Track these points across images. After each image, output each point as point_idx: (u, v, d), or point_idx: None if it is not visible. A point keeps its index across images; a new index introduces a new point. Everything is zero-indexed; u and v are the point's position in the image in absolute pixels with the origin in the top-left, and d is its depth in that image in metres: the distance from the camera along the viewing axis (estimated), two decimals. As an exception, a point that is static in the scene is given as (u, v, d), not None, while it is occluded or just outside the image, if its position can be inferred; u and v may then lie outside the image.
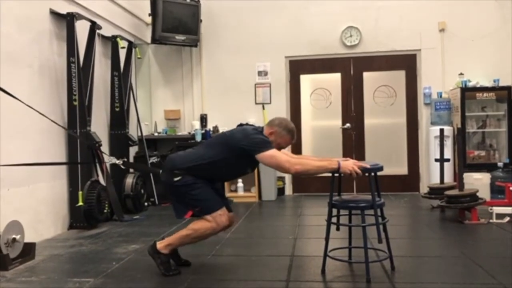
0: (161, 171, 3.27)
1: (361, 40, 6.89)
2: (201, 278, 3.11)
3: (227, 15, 7.10)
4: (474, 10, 6.66)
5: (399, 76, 6.97)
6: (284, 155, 2.99)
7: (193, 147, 3.40)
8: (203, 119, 7.01)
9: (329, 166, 2.91)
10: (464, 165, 5.38)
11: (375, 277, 2.96)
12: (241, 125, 6.77)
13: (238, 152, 3.00)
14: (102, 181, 5.09)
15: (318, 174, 3.02)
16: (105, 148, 5.40)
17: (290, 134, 3.13)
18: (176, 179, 3.08)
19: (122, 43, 5.83)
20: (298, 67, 7.13)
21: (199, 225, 3.10)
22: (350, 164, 2.90)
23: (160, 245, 3.16)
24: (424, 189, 6.53)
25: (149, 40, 6.81)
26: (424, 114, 6.85)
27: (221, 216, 3.09)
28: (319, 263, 3.16)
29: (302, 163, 2.94)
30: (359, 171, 2.87)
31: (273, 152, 2.94)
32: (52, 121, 3.79)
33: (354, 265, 3.24)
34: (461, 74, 6.50)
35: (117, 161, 3.72)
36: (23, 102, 3.25)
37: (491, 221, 4.59)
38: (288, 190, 7.13)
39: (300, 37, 6.98)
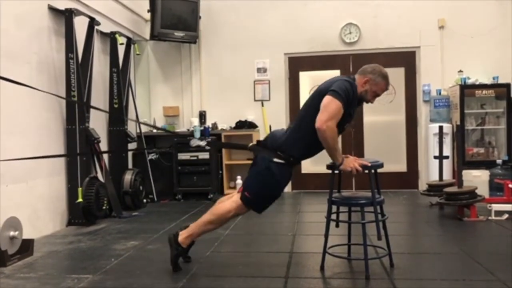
0: (251, 144, 3.17)
1: (361, 37, 6.88)
2: (199, 275, 3.10)
3: (226, 12, 7.08)
4: (474, 7, 6.65)
5: (398, 73, 6.96)
6: (334, 115, 2.78)
7: (295, 119, 3.14)
8: (202, 116, 6.99)
9: (337, 156, 2.88)
10: (463, 162, 5.37)
11: (374, 274, 2.96)
12: (240, 121, 6.82)
13: None
14: (101, 177, 5.09)
15: (328, 152, 2.91)
16: (103, 144, 5.38)
17: (385, 80, 3.01)
18: (276, 160, 2.94)
19: (121, 40, 5.81)
20: (297, 64, 7.12)
21: (221, 210, 3.07)
22: (351, 162, 2.90)
23: (181, 237, 3.13)
24: (423, 186, 6.53)
25: (148, 36, 6.79)
26: (423, 111, 6.85)
27: (243, 210, 3.06)
28: (318, 259, 3.16)
29: (332, 130, 2.79)
30: (360, 168, 2.87)
31: (335, 103, 2.77)
32: (57, 95, 3.77)
33: (353, 262, 3.24)
34: (460, 71, 6.50)
35: (201, 143, 3.65)
36: (25, 85, 3.21)
37: (490, 218, 4.59)
38: (287, 187, 7.13)
39: (299, 34, 6.97)
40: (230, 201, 3.10)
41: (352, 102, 2.92)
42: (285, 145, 2.98)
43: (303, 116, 3.02)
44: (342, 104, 2.81)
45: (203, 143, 3.63)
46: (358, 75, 3.02)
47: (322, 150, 3.01)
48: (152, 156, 6.49)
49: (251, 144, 3.18)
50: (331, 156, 2.92)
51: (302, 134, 2.97)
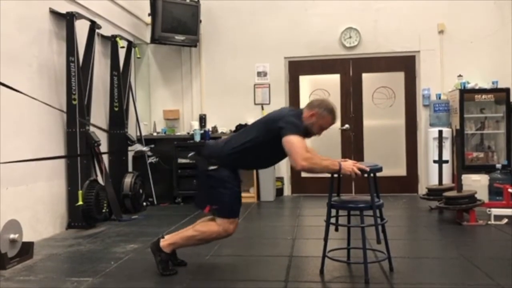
0: (190, 154, 3.26)
1: (360, 41, 6.90)
2: (199, 278, 3.11)
3: (226, 16, 7.10)
4: (473, 12, 6.68)
5: (398, 78, 6.98)
6: (302, 148, 2.86)
7: (232, 135, 3.34)
8: (202, 119, 7.01)
9: (332, 167, 2.91)
10: (462, 166, 5.38)
11: (374, 278, 2.96)
12: (240, 125, 6.83)
13: (276, 133, 2.93)
14: (100, 180, 5.09)
15: (321, 173, 2.97)
16: (104, 147, 5.39)
17: (332, 114, 3.05)
18: (211, 168, 3.06)
19: (122, 43, 5.82)
20: (298, 68, 7.13)
21: (206, 228, 3.12)
22: (350, 165, 2.91)
23: (163, 243, 3.15)
24: (422, 190, 6.53)
25: (148, 40, 6.81)
26: (423, 115, 6.86)
27: (230, 224, 3.09)
28: (318, 263, 3.16)
29: (311, 160, 2.86)
30: (358, 172, 2.88)
31: (294, 138, 2.85)
32: (57, 108, 3.78)
33: (353, 266, 3.24)
34: (460, 75, 6.51)
35: (144, 148, 3.69)
36: (25, 94, 3.25)
37: (489, 222, 4.59)
38: (287, 191, 7.13)
39: (299, 38, 6.99)
40: (213, 222, 3.12)
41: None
42: (219, 154, 3.09)
43: (245, 137, 3.09)
44: (300, 135, 2.90)
45: (146, 148, 3.71)
46: (306, 108, 3.09)
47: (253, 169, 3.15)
48: (152, 159, 6.49)
49: (190, 154, 3.25)
50: (328, 172, 2.96)
51: (239, 152, 3.05)
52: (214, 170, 3.06)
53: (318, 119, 3.02)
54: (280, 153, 3.00)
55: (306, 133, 3.03)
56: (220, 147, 3.14)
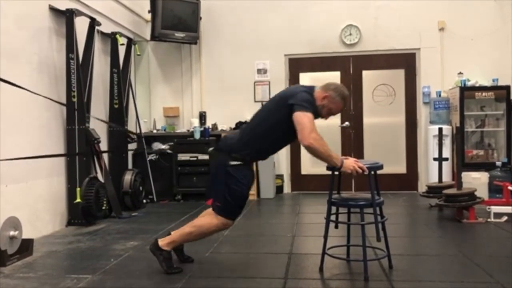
0: (210, 149, 3.20)
1: (361, 38, 6.89)
2: (199, 276, 3.11)
3: (227, 13, 7.09)
4: (474, 10, 6.67)
5: (398, 75, 6.98)
6: (312, 125, 2.80)
7: (247, 123, 3.24)
8: (202, 117, 7.01)
9: (334, 161, 2.89)
10: (462, 164, 5.38)
11: (373, 275, 2.96)
12: (240, 122, 6.83)
13: (287, 111, 2.87)
14: (100, 177, 5.09)
15: (323, 161, 2.92)
16: (103, 144, 5.39)
17: (343, 100, 3.02)
18: (232, 163, 2.99)
19: (122, 40, 5.81)
20: (298, 65, 7.13)
21: (203, 222, 3.10)
22: (351, 163, 2.90)
23: (162, 242, 3.14)
24: (422, 188, 6.53)
25: (148, 37, 6.81)
26: (423, 113, 6.86)
27: (228, 222, 3.08)
28: (317, 261, 3.16)
29: (319, 141, 2.80)
30: (359, 170, 2.87)
31: (305, 115, 2.80)
32: (57, 102, 3.78)
33: (352, 263, 3.25)
34: (460, 73, 6.50)
35: (163, 146, 3.59)
36: (26, 89, 3.24)
37: (489, 220, 4.59)
38: (287, 188, 7.13)
39: (299, 35, 6.98)
40: (211, 215, 3.09)
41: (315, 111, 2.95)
42: (238, 146, 3.03)
43: (259, 121, 3.06)
44: (312, 114, 2.85)
45: (165, 146, 3.68)
46: (320, 89, 3.04)
47: (275, 153, 3.11)
48: (152, 157, 6.49)
49: (210, 149, 3.20)
50: (329, 163, 2.93)
51: (256, 137, 3.02)
52: (234, 166, 3.00)
53: (329, 103, 2.99)
54: (293, 132, 2.88)
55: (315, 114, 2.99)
56: (238, 139, 3.07)
